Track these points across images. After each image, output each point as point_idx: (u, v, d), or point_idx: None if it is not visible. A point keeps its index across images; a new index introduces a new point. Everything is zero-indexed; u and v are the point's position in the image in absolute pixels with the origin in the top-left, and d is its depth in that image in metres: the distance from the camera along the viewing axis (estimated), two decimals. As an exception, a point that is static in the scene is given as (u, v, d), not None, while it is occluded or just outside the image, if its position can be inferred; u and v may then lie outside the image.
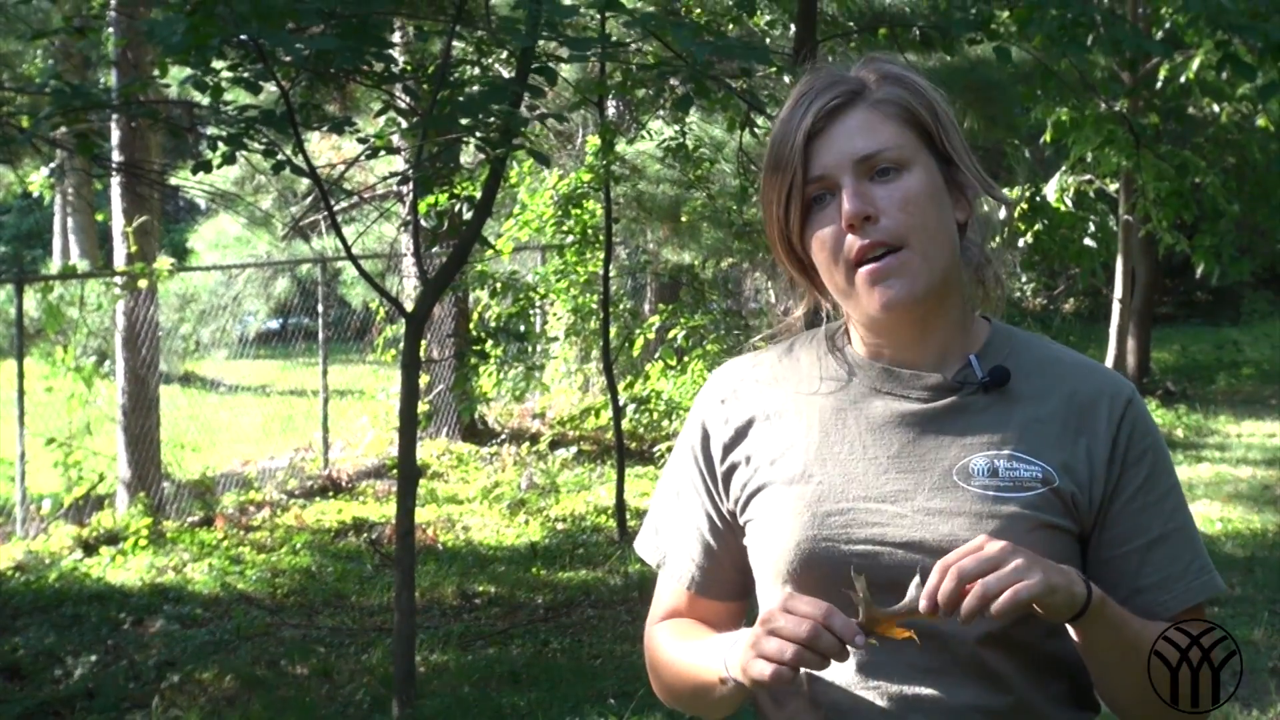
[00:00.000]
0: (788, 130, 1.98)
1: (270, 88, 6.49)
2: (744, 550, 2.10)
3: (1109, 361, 16.24)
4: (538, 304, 13.46)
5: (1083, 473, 1.97)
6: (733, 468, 2.09)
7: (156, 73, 7.87)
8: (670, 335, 13.65)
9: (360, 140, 7.35)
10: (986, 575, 1.78)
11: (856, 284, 1.95)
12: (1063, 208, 16.22)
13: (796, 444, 2.04)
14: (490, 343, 10.88)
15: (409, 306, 7.14)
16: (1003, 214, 2.13)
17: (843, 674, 1.98)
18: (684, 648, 2.11)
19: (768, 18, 11.82)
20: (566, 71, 9.90)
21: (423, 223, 8.71)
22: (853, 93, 1.98)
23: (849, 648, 1.81)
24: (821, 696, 1.99)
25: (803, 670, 1.87)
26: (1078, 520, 1.96)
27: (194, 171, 7.00)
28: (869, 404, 2.03)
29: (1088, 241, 16.39)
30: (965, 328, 2.06)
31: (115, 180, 10.73)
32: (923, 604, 1.80)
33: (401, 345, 7.18)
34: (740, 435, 2.10)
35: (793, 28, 9.53)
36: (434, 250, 12.31)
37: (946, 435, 1.99)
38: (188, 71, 6.37)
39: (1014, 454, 1.96)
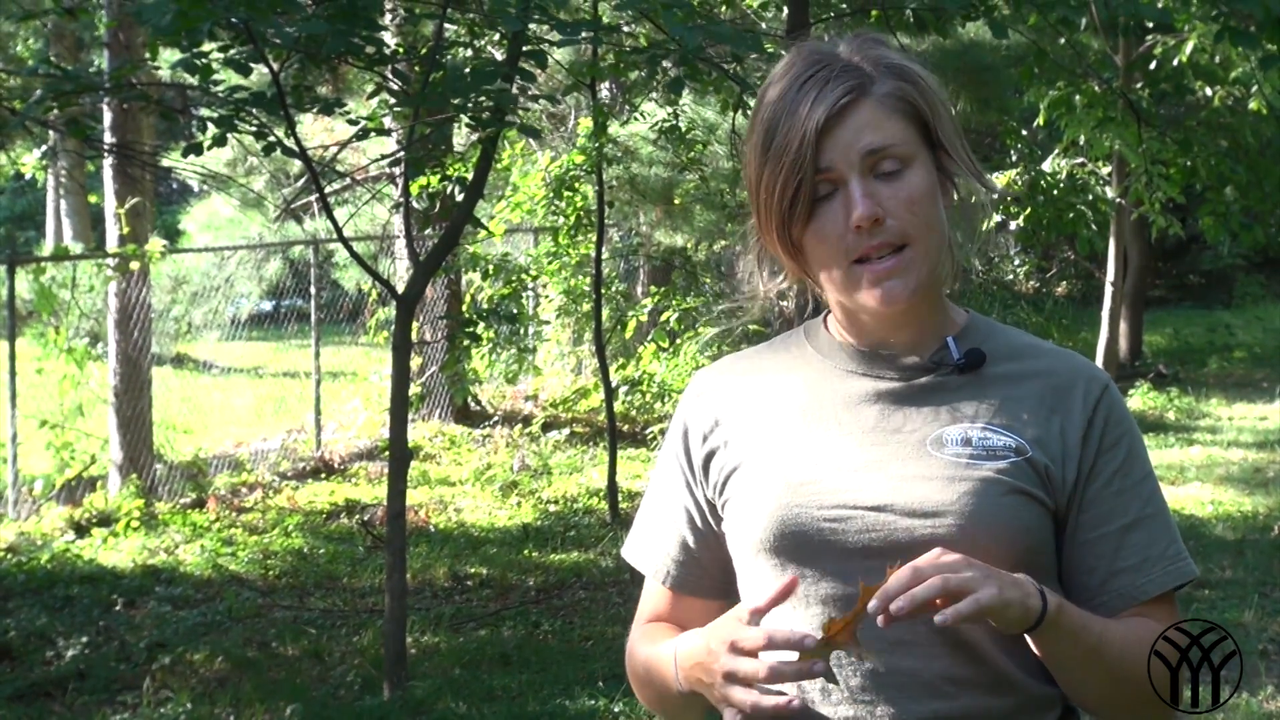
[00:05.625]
0: (795, 122, 1.95)
1: (261, 69, 6.48)
2: (724, 544, 2.11)
3: (1101, 344, 16.25)
4: (530, 286, 13.46)
5: (1056, 448, 1.99)
6: (711, 453, 2.11)
7: (148, 55, 7.85)
8: (663, 318, 13.66)
9: (351, 122, 7.35)
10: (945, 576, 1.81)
11: (860, 280, 1.96)
12: (1056, 191, 16.20)
13: (773, 424, 2.06)
14: (482, 325, 10.87)
15: (401, 288, 7.14)
16: (986, 197, 2.14)
17: None
18: (650, 654, 2.13)
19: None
20: (559, 54, 9.89)
21: (414, 204, 8.71)
22: (858, 87, 1.96)
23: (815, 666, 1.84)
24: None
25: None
26: (1051, 494, 1.98)
27: (185, 154, 6.99)
28: (845, 384, 2.06)
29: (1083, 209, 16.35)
30: (941, 310, 2.08)
31: (108, 162, 10.71)
32: (873, 604, 1.80)
33: (393, 327, 7.18)
34: (718, 423, 2.12)
35: (785, 10, 9.51)
36: (426, 232, 12.30)
37: (921, 411, 2.01)
38: (179, 54, 6.36)
39: (988, 426, 1.99)
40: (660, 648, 2.09)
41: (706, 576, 2.15)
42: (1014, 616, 1.84)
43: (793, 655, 1.85)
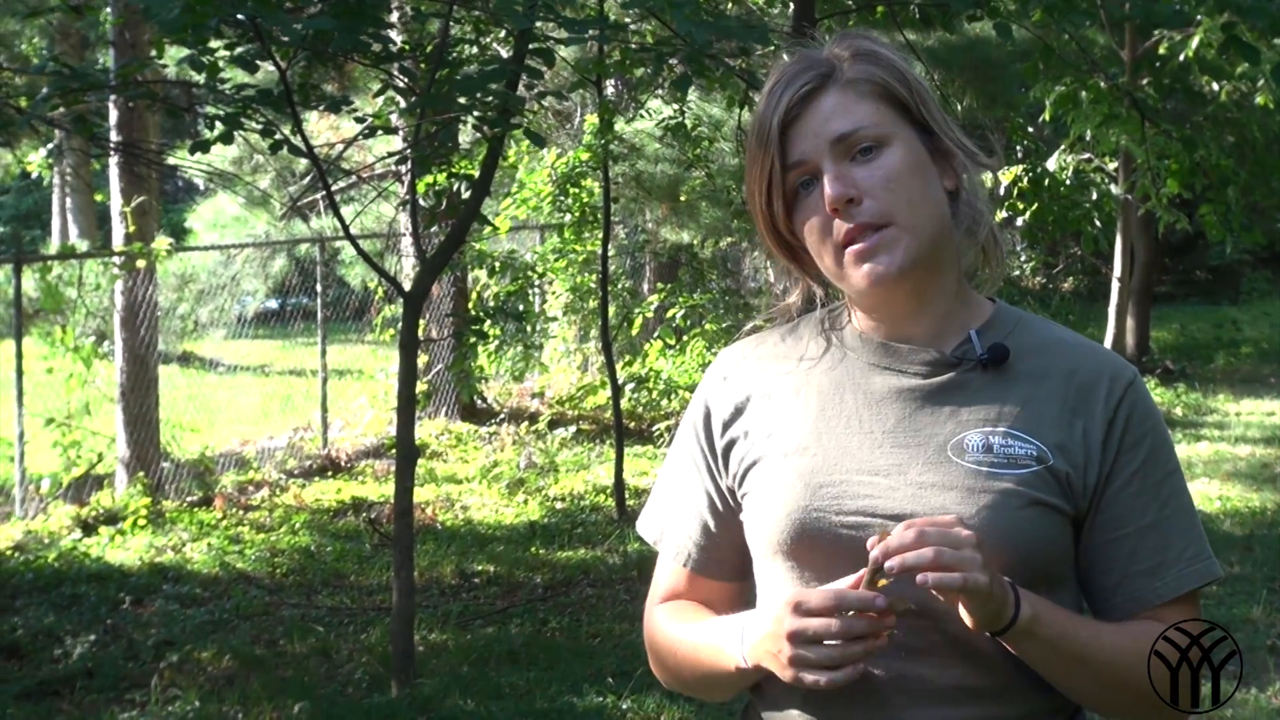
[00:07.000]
0: (763, 120, 1.98)
1: (268, 67, 6.47)
2: (743, 528, 2.10)
3: (1108, 340, 16.25)
4: (536, 283, 13.45)
5: (1078, 454, 1.96)
6: (732, 443, 2.10)
7: (154, 52, 7.84)
8: (669, 314, 13.67)
9: (358, 120, 7.34)
10: (945, 547, 1.80)
11: (845, 265, 1.96)
12: (1061, 188, 16.19)
13: (794, 418, 2.05)
14: (489, 322, 10.87)
15: (407, 286, 7.13)
16: (990, 178, 2.12)
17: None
18: (688, 632, 2.11)
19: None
20: (565, 51, 9.89)
21: (421, 202, 8.70)
22: (824, 75, 1.98)
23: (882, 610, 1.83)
24: None
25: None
26: (1072, 501, 1.95)
27: (191, 151, 6.97)
28: (867, 379, 2.04)
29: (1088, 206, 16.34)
30: (964, 301, 2.06)
31: (113, 160, 10.71)
32: (872, 542, 1.82)
33: (400, 325, 7.17)
34: (740, 411, 2.10)
35: (791, 6, 9.50)
36: (432, 230, 12.29)
37: (943, 411, 1.99)
38: (185, 51, 6.35)
39: (1010, 431, 1.96)
40: (709, 625, 2.09)
41: (727, 560, 2.14)
42: (989, 613, 1.84)
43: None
